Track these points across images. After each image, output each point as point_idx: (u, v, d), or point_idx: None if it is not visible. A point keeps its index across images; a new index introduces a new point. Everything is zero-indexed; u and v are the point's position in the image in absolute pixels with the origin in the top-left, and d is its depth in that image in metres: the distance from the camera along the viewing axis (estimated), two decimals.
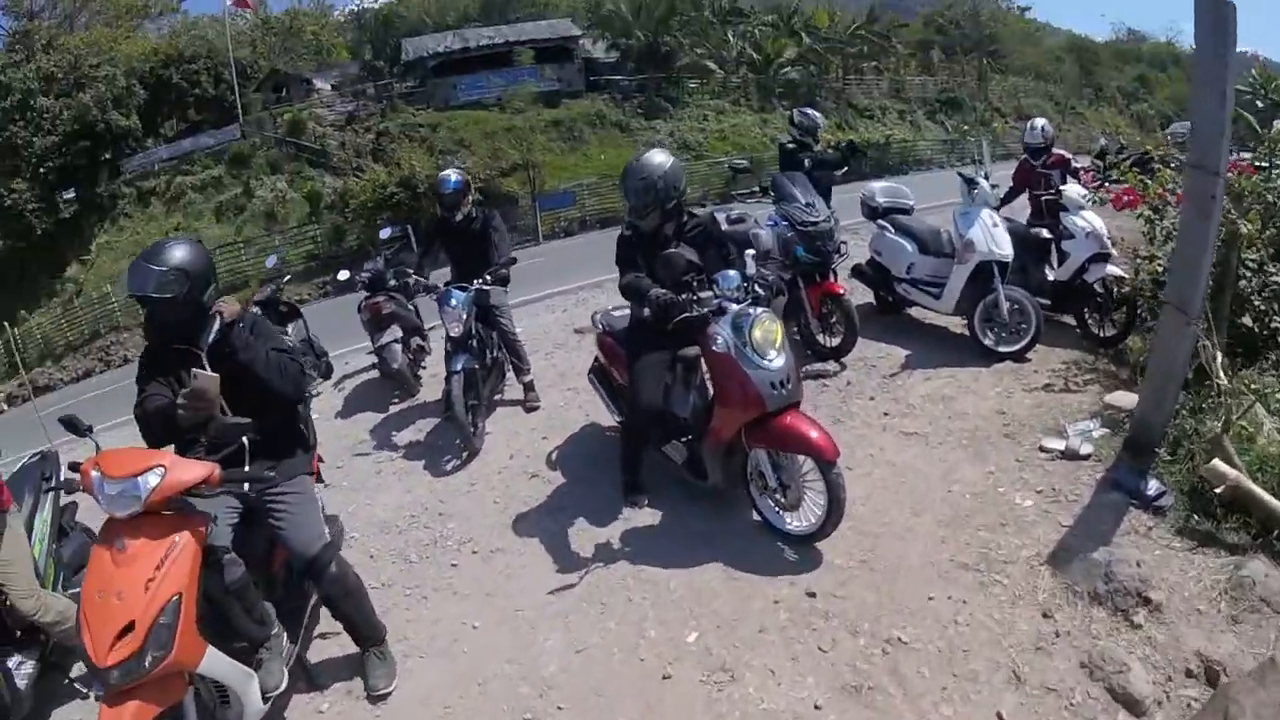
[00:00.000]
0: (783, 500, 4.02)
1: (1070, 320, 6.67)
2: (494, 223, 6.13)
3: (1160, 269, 5.28)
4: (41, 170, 26.82)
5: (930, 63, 38.61)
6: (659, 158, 4.28)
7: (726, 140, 29.66)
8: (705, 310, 3.97)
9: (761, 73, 33.10)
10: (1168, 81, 43.59)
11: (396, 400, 7.05)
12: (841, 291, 6.15)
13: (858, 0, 38.56)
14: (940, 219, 7.23)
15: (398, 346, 6.88)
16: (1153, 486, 3.90)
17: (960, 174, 6.58)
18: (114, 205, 27.98)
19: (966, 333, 6.34)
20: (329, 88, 36.22)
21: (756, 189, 7.22)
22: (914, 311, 7.19)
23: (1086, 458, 4.46)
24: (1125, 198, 5.81)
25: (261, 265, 20.55)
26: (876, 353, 6.54)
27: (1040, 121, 7.36)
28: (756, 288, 4.05)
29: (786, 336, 4.02)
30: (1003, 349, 6.04)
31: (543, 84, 32.05)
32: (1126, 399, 4.78)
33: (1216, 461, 3.64)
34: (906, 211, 7.33)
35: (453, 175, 6.13)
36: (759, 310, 3.93)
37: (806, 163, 6.97)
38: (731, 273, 4.03)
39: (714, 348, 3.96)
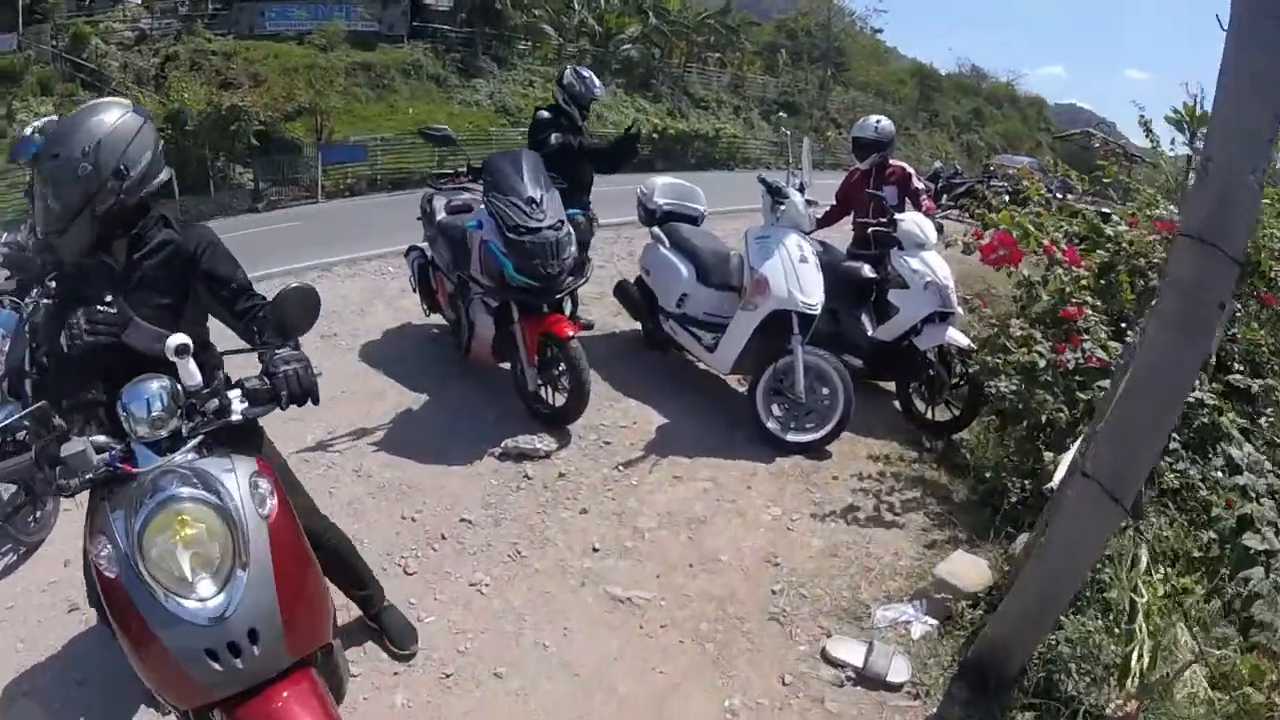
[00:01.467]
0: None
1: (889, 385, 4.83)
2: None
3: (1039, 356, 3.47)
4: None
5: (775, 65, 37.95)
6: (105, 115, 1.92)
7: None
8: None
9: (601, 46, 30.82)
10: (1001, 118, 45.39)
11: None
12: (567, 335, 3.95)
13: None
14: (741, 231, 5.24)
15: None
16: None
17: (763, 180, 4.51)
18: None
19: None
20: (138, 1, 30.30)
21: (462, 170, 4.81)
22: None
23: (897, 688, 2.52)
24: (1000, 248, 3.98)
25: None
26: (619, 416, 4.43)
27: (878, 118, 5.36)
28: (208, 416, 1.81)
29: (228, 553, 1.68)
30: (792, 437, 4.09)
31: (359, 23, 28.21)
32: (968, 573, 2.89)
33: None
34: (694, 220, 5.28)
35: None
36: (175, 488, 1.67)
37: (555, 140, 4.76)
38: (152, 385, 1.74)
39: (102, 567, 1.67)
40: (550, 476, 3.82)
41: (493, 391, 4.56)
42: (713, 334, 4.46)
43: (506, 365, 4.43)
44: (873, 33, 48.77)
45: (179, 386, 1.77)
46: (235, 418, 1.80)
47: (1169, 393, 1.84)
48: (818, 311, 4.07)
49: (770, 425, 4.11)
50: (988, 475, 3.60)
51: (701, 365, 4.84)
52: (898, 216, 4.55)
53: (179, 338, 1.75)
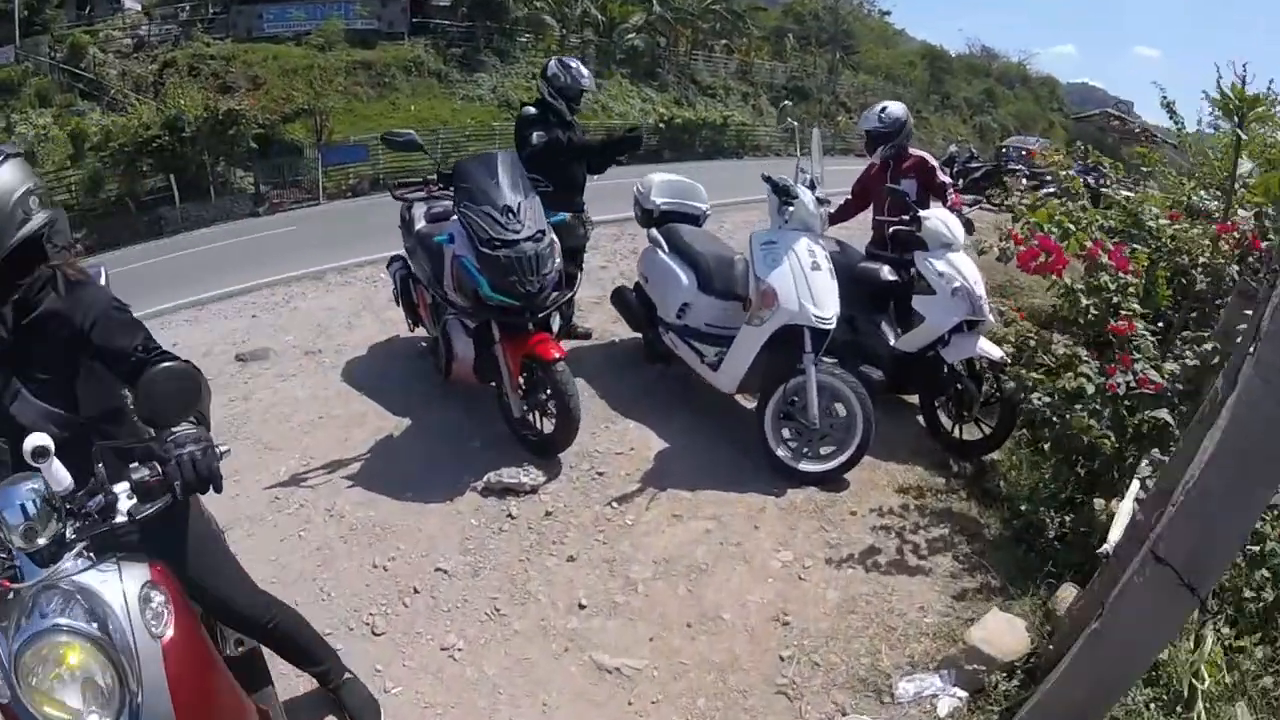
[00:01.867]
0: None
1: (912, 399, 4.43)
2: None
3: (1086, 380, 3.07)
4: None
5: (783, 49, 37.30)
6: None
7: None
8: None
9: (605, 36, 30.33)
10: (1014, 99, 44.53)
11: None
12: (553, 357, 3.58)
13: None
14: (752, 226, 4.85)
15: None
16: None
17: (768, 179, 4.04)
18: None
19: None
20: (138, 8, 30.12)
21: (431, 178, 4.32)
22: None
23: None
24: (1041, 254, 3.56)
25: None
26: (615, 441, 4.07)
27: (883, 104, 4.76)
28: (92, 517, 1.55)
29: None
30: (806, 466, 3.72)
31: (358, 21, 27.89)
32: (1003, 638, 2.50)
33: None
34: (695, 220, 4.89)
35: None
36: (54, 615, 1.48)
37: (538, 138, 4.42)
38: (21, 488, 1.47)
39: None
40: (536, 515, 3.48)
41: (479, 414, 4.21)
42: (716, 349, 4.09)
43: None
44: (881, 15, 47.97)
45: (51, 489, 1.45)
46: (120, 519, 1.52)
47: (1266, 464, 1.46)
48: (832, 325, 3.69)
49: (780, 453, 3.73)
50: (1023, 509, 3.22)
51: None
52: (921, 214, 4.07)
53: (36, 439, 1.43)
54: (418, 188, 4.53)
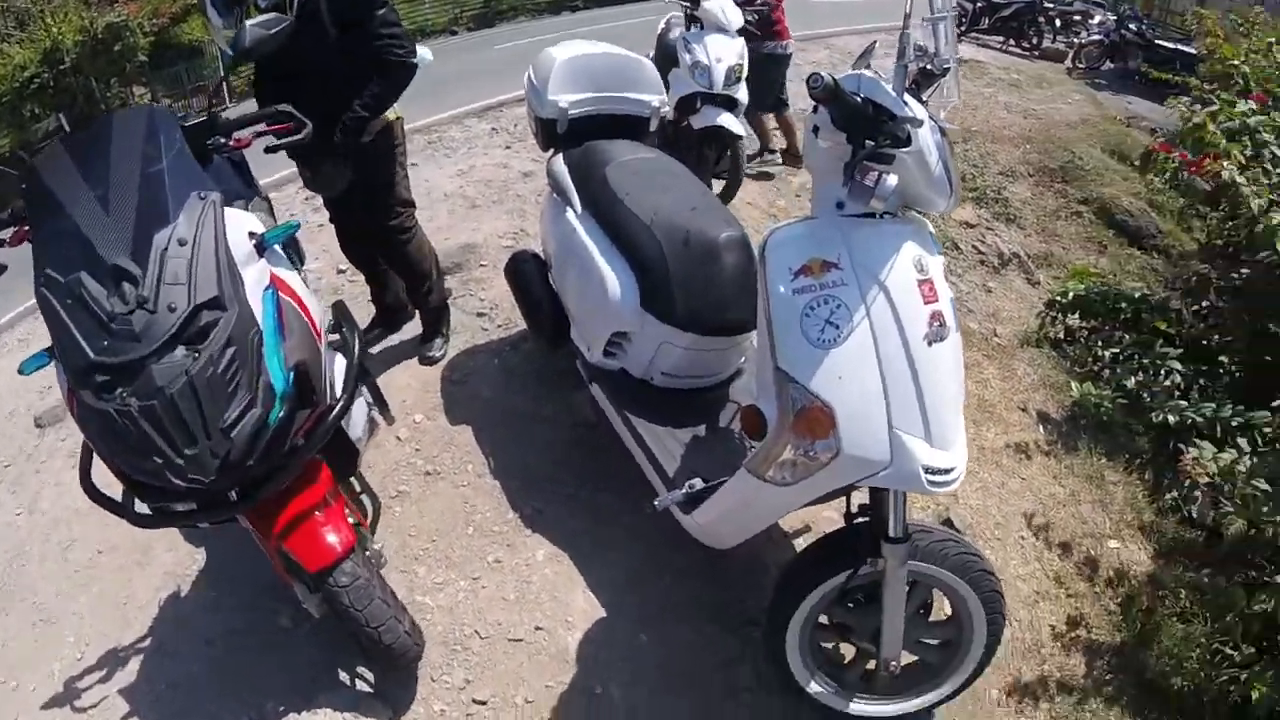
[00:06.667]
0: None
1: None
2: None
3: None
4: None
5: None
6: None
7: None
8: None
9: None
10: None
11: None
12: (324, 564, 1.60)
13: None
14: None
15: None
16: None
17: None
18: None
19: None
20: None
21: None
22: None
23: None
24: None
25: None
26: (494, 631, 2.35)
27: None
28: None
29: None
30: (864, 709, 1.96)
31: None
32: None
33: None
34: (637, 128, 2.82)
35: None
36: None
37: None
38: None
39: None
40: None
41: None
42: (685, 448, 2.06)
43: None
44: None
45: None
46: None
47: None
48: (956, 480, 1.68)
49: (816, 690, 1.95)
50: None
51: None
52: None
53: None
54: None
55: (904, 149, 1.59)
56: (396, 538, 2.54)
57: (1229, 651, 2.36)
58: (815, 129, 1.66)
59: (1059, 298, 3.91)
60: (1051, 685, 2.37)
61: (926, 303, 1.64)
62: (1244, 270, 3.41)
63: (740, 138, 4.33)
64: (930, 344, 1.63)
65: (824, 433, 1.59)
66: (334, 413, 1.75)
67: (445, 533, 2.57)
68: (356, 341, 1.93)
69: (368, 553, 1.96)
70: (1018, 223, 5.12)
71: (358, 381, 1.90)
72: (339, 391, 1.83)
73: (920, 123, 1.60)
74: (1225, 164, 3.16)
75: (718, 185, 4.40)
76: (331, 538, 1.74)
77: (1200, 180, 3.37)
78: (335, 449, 1.90)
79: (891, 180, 1.56)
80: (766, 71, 4.81)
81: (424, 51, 2.70)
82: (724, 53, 4.29)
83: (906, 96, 1.66)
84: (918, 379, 1.61)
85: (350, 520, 1.88)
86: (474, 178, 4.83)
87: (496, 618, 2.33)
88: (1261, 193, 3.06)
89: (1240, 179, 3.12)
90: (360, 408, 2.11)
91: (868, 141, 1.57)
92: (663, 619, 2.33)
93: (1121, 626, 2.61)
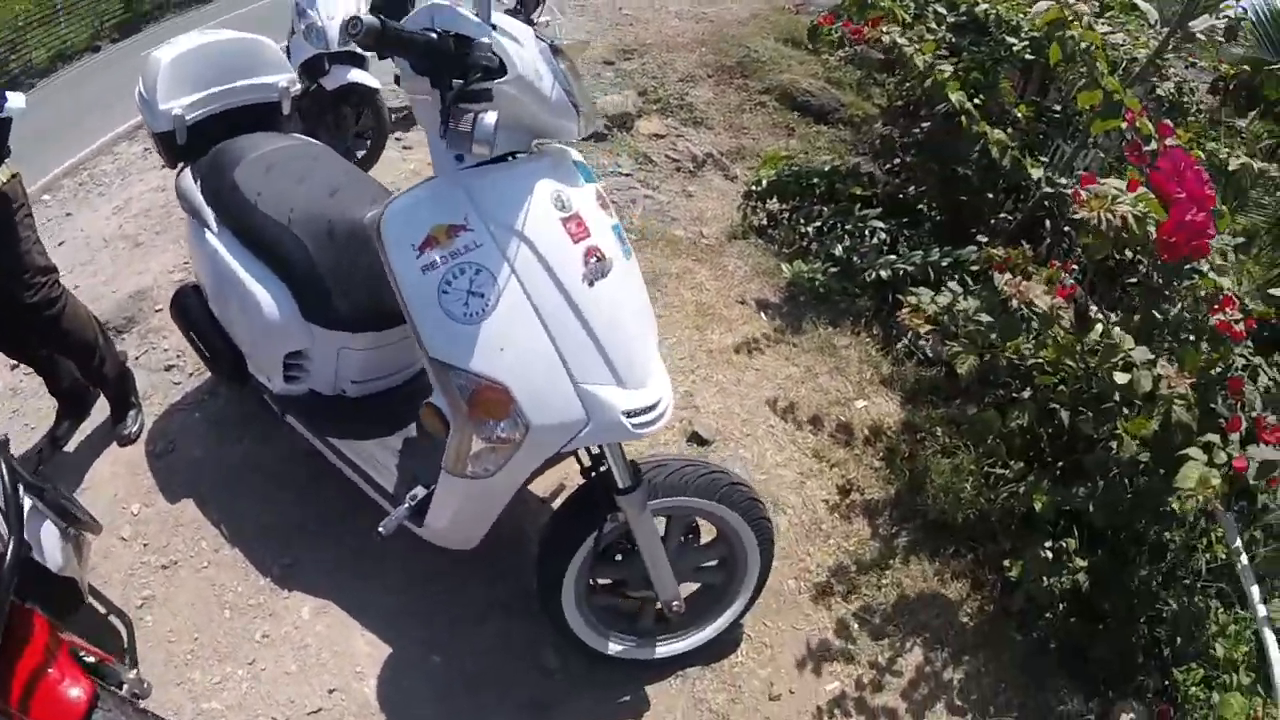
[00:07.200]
0: None
1: None
2: None
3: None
4: None
5: None
6: None
7: None
8: None
9: None
10: None
11: None
12: None
13: None
14: None
15: None
16: None
17: None
18: None
19: None
20: None
21: None
22: None
23: None
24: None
25: None
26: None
27: None
28: None
29: None
30: (669, 649, 1.89)
31: None
32: None
33: None
34: (269, 117, 2.51)
35: None
36: None
37: None
38: None
39: None
40: None
41: None
42: (399, 456, 1.87)
43: None
44: None
45: None
46: None
47: None
48: (663, 417, 1.61)
49: (615, 648, 1.95)
50: None
51: None
52: None
53: None
54: None
55: (501, 79, 1.42)
56: (159, 650, 2.19)
57: (1000, 471, 2.54)
58: (397, 79, 1.46)
59: (753, 186, 3.98)
60: (843, 556, 2.46)
61: (576, 240, 1.51)
62: (925, 124, 3.65)
63: (377, 90, 4.19)
64: (592, 283, 1.51)
65: (503, 412, 1.45)
66: (6, 558, 1.41)
67: (204, 625, 2.24)
68: (3, 465, 1.55)
69: (125, 686, 1.67)
70: (706, 124, 5.18)
71: (20, 507, 1.54)
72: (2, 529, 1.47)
73: (515, 43, 1.43)
74: (885, 27, 3.34)
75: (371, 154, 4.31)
76: (73, 692, 1.44)
77: (872, 50, 3.55)
78: (42, 591, 1.60)
79: (489, 118, 1.38)
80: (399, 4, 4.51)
81: (15, 100, 2.19)
82: (335, 9, 4.11)
83: (503, 19, 1.49)
84: (588, 325, 1.49)
85: (89, 660, 1.60)
86: (132, 211, 4.18)
87: (287, 695, 2.07)
88: (926, 49, 3.25)
89: (902, 40, 3.31)
90: (49, 531, 1.73)
91: (455, 81, 1.39)
92: (451, 632, 2.18)
93: (891, 479, 2.75)
